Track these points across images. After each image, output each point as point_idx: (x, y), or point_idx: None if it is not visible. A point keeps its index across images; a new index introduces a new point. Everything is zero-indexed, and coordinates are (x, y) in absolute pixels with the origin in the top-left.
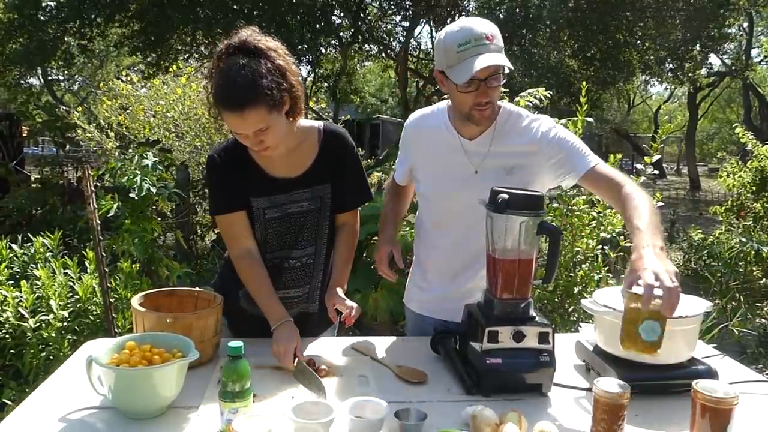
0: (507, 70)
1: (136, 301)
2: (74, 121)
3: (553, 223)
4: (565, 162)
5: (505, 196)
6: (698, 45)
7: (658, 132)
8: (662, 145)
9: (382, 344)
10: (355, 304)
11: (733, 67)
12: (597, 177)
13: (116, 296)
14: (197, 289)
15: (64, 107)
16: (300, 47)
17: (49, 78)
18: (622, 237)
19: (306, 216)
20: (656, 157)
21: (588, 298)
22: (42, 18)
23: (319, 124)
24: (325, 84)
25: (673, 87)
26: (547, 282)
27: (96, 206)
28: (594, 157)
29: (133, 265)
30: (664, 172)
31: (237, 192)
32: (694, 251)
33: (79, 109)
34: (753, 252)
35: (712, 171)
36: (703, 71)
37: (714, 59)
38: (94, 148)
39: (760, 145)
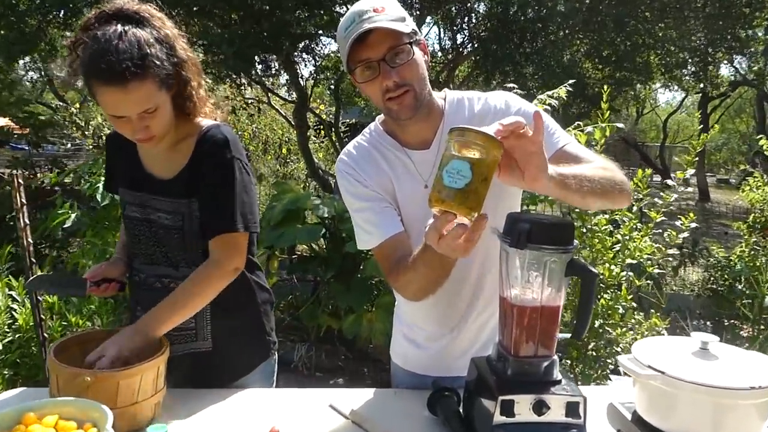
0: (409, 40)
1: (52, 348)
2: (56, 118)
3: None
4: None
5: (526, 225)
6: (723, 47)
7: (698, 138)
8: (673, 156)
9: (366, 399)
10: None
11: (753, 76)
12: (565, 159)
13: (64, 324)
14: None
15: (61, 103)
16: (294, 31)
17: (48, 74)
18: (649, 262)
19: (170, 232)
20: (690, 171)
21: (627, 355)
22: (22, 7)
23: (208, 123)
24: (329, 85)
25: (692, 92)
26: (578, 337)
27: (27, 222)
28: (564, 135)
29: None
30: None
31: (116, 175)
32: (719, 271)
33: (77, 105)
34: None
35: (720, 182)
36: (726, 72)
37: (725, 69)
38: (73, 148)
39: None
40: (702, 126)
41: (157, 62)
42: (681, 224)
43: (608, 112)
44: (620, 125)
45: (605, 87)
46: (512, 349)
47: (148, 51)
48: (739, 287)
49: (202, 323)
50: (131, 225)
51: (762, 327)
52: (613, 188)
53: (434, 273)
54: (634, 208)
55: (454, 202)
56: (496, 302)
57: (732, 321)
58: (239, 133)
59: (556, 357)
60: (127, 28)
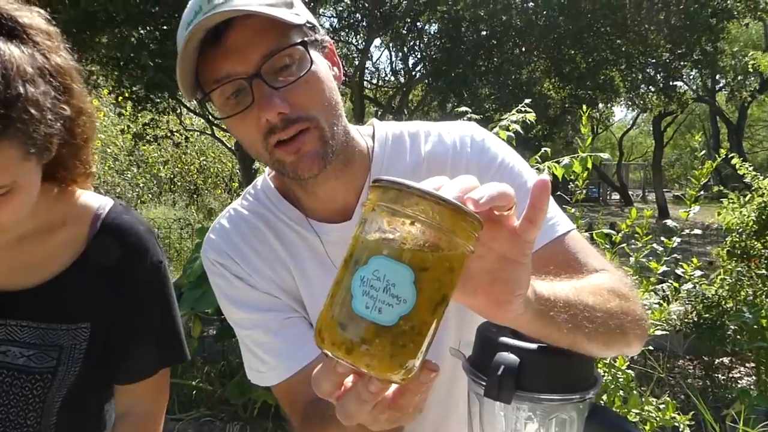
0: (303, 38)
1: None
2: None
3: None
4: None
5: (512, 358)
6: (689, 60)
7: (653, 155)
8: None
9: None
10: None
11: (701, 92)
12: (557, 260)
13: None
14: None
15: None
16: None
17: None
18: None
19: (19, 377)
20: (695, 209)
21: None
22: None
23: (102, 203)
24: None
25: (656, 110)
26: None
27: None
28: (561, 217)
29: None
30: (630, 199)
31: None
32: (705, 308)
33: None
34: None
35: (676, 198)
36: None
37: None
38: None
39: (761, 177)
40: (655, 143)
41: (33, 112)
42: (662, 248)
43: (590, 139)
44: (605, 155)
45: (584, 107)
46: None
47: (22, 91)
48: (729, 323)
49: None
50: None
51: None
52: (625, 332)
53: None
54: (632, 260)
55: (370, 353)
56: None
57: (720, 360)
58: (186, 167)
59: None
60: None
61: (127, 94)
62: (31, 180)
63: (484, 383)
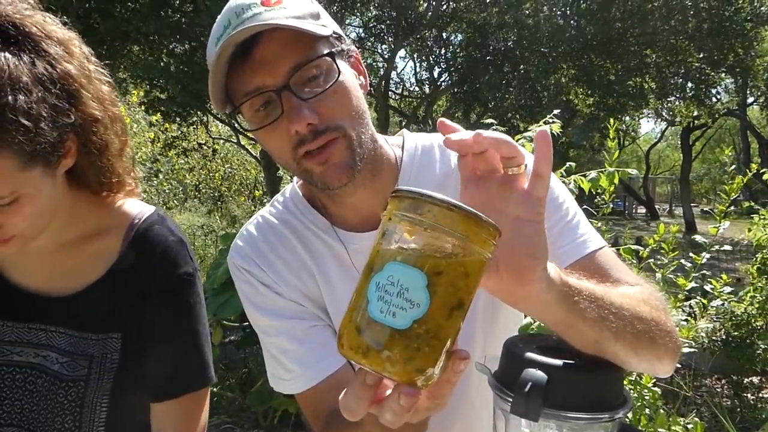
0: (331, 49)
1: None
2: None
3: None
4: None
5: (539, 375)
6: (723, 67)
7: (681, 168)
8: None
9: None
10: None
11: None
12: (590, 274)
13: None
14: None
15: None
16: None
17: None
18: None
19: (60, 387)
20: (725, 225)
21: None
22: None
23: (141, 212)
24: None
25: (684, 121)
26: None
27: None
28: (593, 233)
29: None
30: (657, 213)
31: None
32: (733, 326)
33: None
34: None
35: (704, 212)
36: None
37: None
38: None
39: None
40: (683, 156)
41: (24, 122)
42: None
43: (617, 152)
44: (633, 171)
45: (612, 120)
46: None
47: (9, 100)
48: (759, 342)
49: None
50: None
51: None
52: (655, 341)
53: None
54: (659, 275)
55: (386, 357)
56: None
57: (750, 379)
58: (210, 174)
59: None
60: None
61: (155, 105)
62: (39, 188)
63: (510, 399)
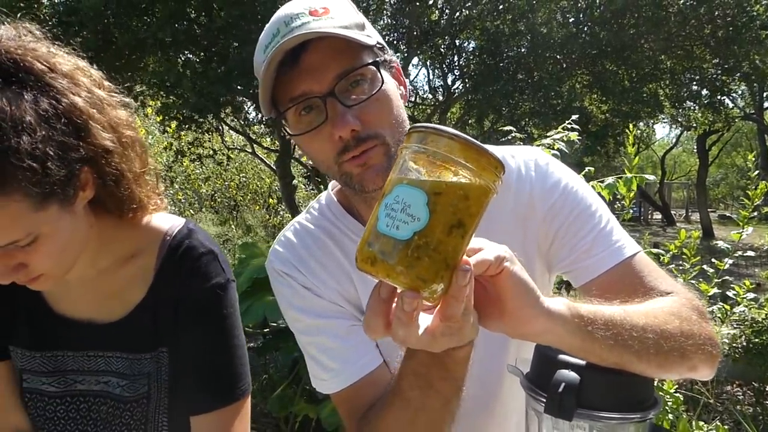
0: (375, 58)
1: None
2: None
3: None
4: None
5: (572, 376)
6: (738, 74)
7: (698, 173)
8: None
9: None
10: None
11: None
12: (624, 282)
13: None
14: None
15: None
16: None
17: None
18: None
19: (126, 408)
20: (748, 230)
21: None
22: None
23: (172, 227)
24: None
25: (700, 127)
26: None
27: None
28: (626, 238)
29: None
30: (673, 219)
31: None
32: (754, 332)
33: None
34: None
35: (721, 218)
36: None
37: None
38: None
39: None
40: (700, 161)
41: (30, 163)
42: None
43: (636, 159)
44: (651, 177)
45: (631, 126)
46: None
47: (12, 143)
48: None
49: None
50: (39, 406)
51: None
52: (686, 355)
53: (432, 403)
54: (680, 281)
55: (390, 264)
56: None
57: None
58: (225, 183)
59: None
60: None
61: (172, 114)
62: (57, 226)
63: (543, 400)
